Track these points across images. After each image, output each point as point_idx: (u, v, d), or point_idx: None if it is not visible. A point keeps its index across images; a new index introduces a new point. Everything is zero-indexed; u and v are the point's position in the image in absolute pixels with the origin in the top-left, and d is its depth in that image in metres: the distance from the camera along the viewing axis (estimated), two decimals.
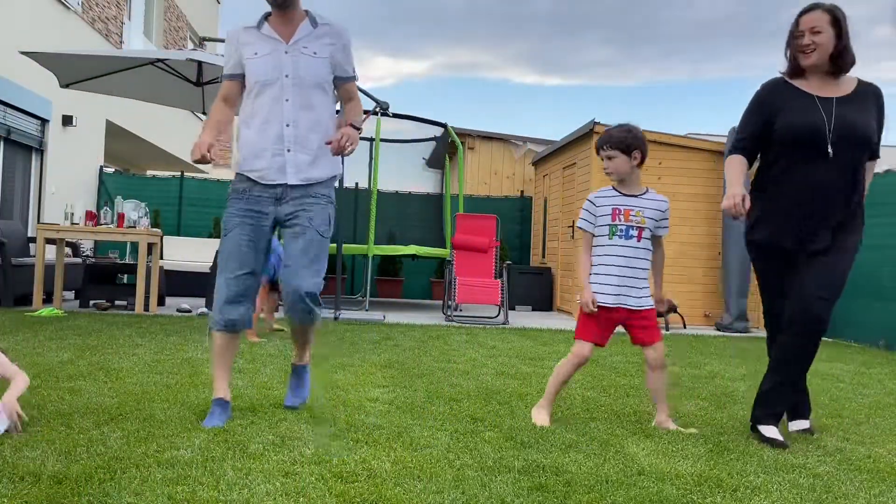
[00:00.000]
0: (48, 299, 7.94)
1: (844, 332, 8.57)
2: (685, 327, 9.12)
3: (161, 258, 8.66)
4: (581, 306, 3.39)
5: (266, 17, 3.27)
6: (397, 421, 3.31)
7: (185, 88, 8.24)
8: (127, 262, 8.97)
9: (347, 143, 3.07)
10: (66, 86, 7.91)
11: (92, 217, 7.78)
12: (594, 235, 3.41)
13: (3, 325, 5.98)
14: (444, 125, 10.84)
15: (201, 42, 18.14)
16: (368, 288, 9.59)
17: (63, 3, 10.79)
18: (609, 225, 3.35)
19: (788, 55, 3.31)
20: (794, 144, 3.22)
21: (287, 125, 3.17)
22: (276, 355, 5.06)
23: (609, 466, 2.77)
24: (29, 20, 9.98)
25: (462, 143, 12.15)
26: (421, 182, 12.11)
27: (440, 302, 11.59)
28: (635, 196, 3.37)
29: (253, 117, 3.20)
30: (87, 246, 10.86)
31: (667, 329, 8.72)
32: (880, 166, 10.42)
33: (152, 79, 8.04)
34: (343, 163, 3.50)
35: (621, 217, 3.34)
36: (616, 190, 3.40)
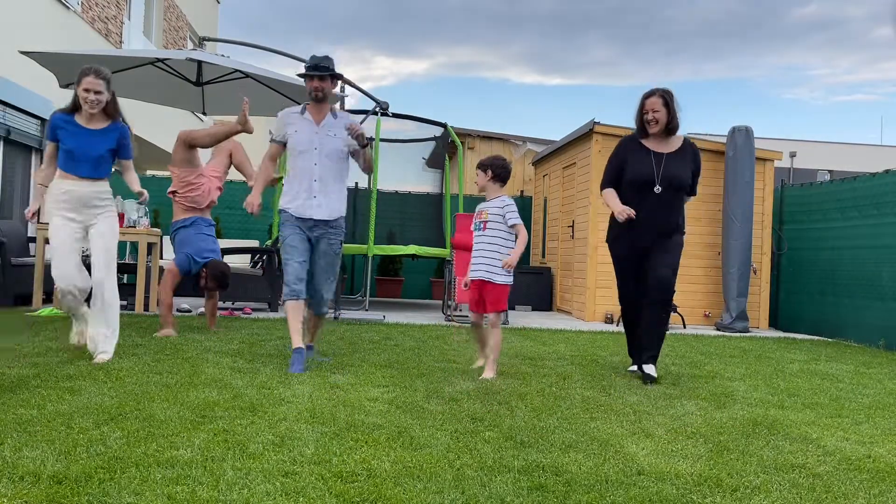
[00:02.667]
0: (48, 299, 7.94)
1: (844, 332, 8.58)
2: (685, 327, 9.12)
3: (161, 258, 8.66)
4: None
5: (305, 106, 4.93)
6: (397, 421, 3.31)
7: (185, 88, 8.24)
8: (127, 261, 8.96)
9: (360, 129, 4.81)
10: (67, 86, 7.90)
11: None
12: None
13: (3, 325, 5.98)
14: (443, 125, 10.84)
15: (201, 42, 18.13)
16: (368, 288, 9.59)
17: (63, 3, 10.79)
18: (475, 222, 4.82)
19: (638, 123, 4.91)
20: (633, 185, 4.86)
21: (315, 180, 4.83)
22: (275, 355, 5.06)
23: (609, 466, 2.78)
24: (29, 20, 9.97)
25: (462, 142, 12.15)
26: (421, 182, 12.11)
27: (440, 302, 11.59)
28: (489, 201, 4.79)
29: (294, 173, 4.86)
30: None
31: (667, 329, 8.71)
32: (880, 166, 10.39)
33: (152, 79, 8.03)
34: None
35: (478, 216, 4.81)
36: (485, 199, 4.84)
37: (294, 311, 4.73)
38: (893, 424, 3.82)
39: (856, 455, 3.13)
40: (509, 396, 4.00)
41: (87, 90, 4.53)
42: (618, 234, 4.96)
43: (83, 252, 5.11)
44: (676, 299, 9.07)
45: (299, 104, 8.05)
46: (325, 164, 4.84)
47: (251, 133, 6.06)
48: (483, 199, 4.91)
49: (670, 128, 4.83)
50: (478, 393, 4.05)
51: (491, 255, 4.66)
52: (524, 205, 13.19)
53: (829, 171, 29.94)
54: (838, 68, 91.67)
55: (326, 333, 6.46)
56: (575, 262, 10.31)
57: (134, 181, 4.96)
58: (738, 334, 8.67)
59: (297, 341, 4.68)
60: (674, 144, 4.90)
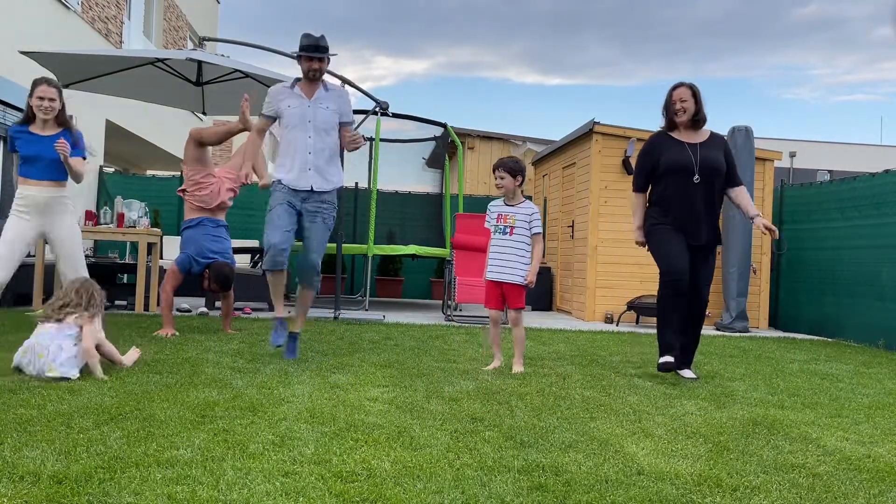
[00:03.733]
0: (48, 299, 7.93)
1: (844, 332, 8.57)
2: None
3: (161, 258, 8.66)
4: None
5: (296, 81, 5.03)
6: (397, 421, 3.31)
7: (185, 88, 8.24)
8: (127, 261, 8.96)
9: (359, 139, 4.92)
10: (66, 86, 7.90)
11: (92, 217, 7.78)
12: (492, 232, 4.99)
13: (3, 325, 5.98)
14: (443, 125, 10.84)
15: (201, 42, 18.12)
16: (368, 287, 9.59)
17: (63, 3, 10.79)
18: (495, 226, 4.94)
19: (666, 115, 5.02)
20: (673, 174, 4.89)
21: (310, 153, 4.92)
22: (275, 355, 5.06)
23: (608, 466, 2.78)
24: (29, 20, 9.98)
25: (462, 142, 12.14)
26: (421, 182, 12.11)
27: (440, 302, 11.59)
28: (513, 206, 4.94)
29: (287, 147, 4.95)
30: (86, 246, 10.86)
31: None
32: (880, 166, 10.39)
33: (152, 79, 8.03)
34: (342, 169, 5.24)
35: (502, 220, 4.90)
36: (504, 202, 4.97)
37: (276, 281, 4.93)
38: (893, 424, 3.82)
39: (856, 455, 3.13)
40: (509, 396, 4.00)
41: (41, 98, 5.05)
42: (667, 218, 4.94)
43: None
44: None
45: None
46: (319, 137, 4.94)
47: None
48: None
49: (697, 119, 4.95)
50: (478, 393, 4.05)
51: (517, 259, 4.85)
52: None
53: (829, 171, 29.95)
54: (838, 68, 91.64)
55: (326, 333, 6.46)
56: (575, 262, 10.31)
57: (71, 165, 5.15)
58: (737, 334, 8.67)
59: (281, 309, 4.94)
60: (703, 135, 5.01)
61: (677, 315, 4.88)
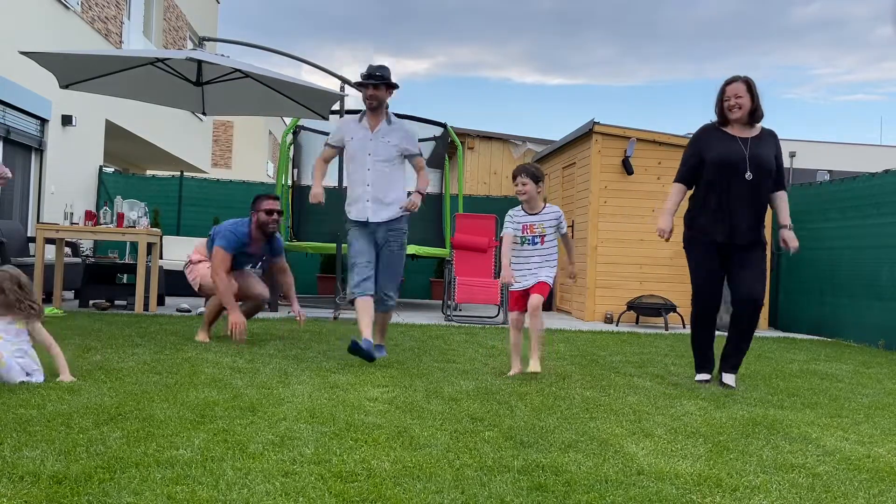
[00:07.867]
0: (48, 299, 7.94)
1: (844, 332, 8.57)
2: (685, 327, 9.11)
3: (161, 258, 8.66)
4: (505, 285, 4.88)
5: (363, 114, 5.18)
6: (397, 421, 3.31)
7: (184, 88, 8.23)
8: (127, 261, 8.96)
9: (412, 206, 5.07)
10: (66, 86, 7.90)
11: (91, 217, 7.78)
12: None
13: None
14: (443, 125, 10.83)
15: (201, 42, 18.09)
16: None
17: (63, 3, 10.79)
18: (521, 237, 4.81)
19: (718, 111, 4.67)
20: (721, 169, 4.57)
21: (367, 185, 5.09)
22: (275, 355, 5.06)
23: (608, 466, 2.78)
24: (29, 20, 9.97)
25: (462, 142, 12.13)
26: None
27: (440, 302, 11.58)
28: (537, 213, 4.85)
29: (350, 179, 5.20)
30: (86, 245, 10.86)
31: (666, 329, 8.72)
32: (880, 166, 10.39)
33: (152, 79, 8.02)
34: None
35: (529, 231, 4.81)
36: (523, 210, 4.87)
37: (364, 307, 4.97)
38: (893, 424, 3.82)
39: (855, 455, 3.13)
40: (509, 396, 4.00)
41: None
42: (710, 221, 4.64)
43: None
44: (676, 299, 9.10)
45: (301, 105, 8.09)
46: (377, 170, 5.10)
47: None
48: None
49: (754, 115, 4.61)
50: (477, 393, 4.05)
51: (547, 265, 4.84)
52: None
53: (829, 171, 29.95)
54: (839, 68, 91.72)
55: (326, 333, 6.46)
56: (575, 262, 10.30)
57: None
58: None
59: (367, 333, 4.84)
60: (755, 131, 4.67)
61: (706, 334, 4.76)
